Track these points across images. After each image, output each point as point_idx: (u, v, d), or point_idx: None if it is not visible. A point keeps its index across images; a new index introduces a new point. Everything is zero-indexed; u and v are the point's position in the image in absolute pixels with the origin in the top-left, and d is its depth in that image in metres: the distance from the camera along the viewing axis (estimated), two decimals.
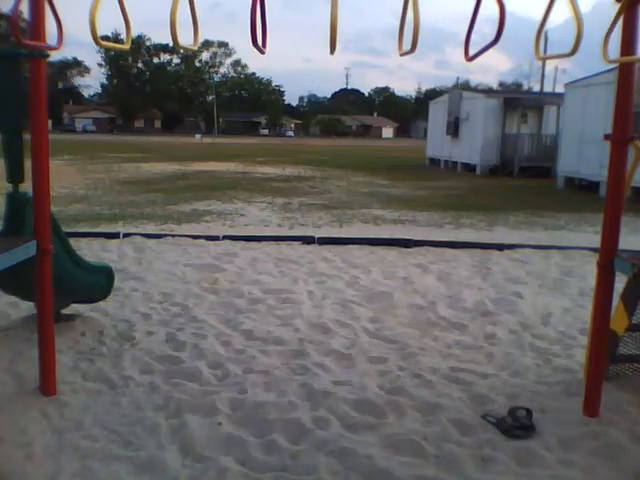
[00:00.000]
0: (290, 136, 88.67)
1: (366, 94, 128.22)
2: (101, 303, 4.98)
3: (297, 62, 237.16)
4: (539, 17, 2.80)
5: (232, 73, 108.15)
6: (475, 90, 39.38)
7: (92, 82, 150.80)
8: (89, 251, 6.97)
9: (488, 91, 37.05)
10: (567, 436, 3.08)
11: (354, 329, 4.69)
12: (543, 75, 41.31)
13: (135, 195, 13.52)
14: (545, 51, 3.86)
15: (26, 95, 3.20)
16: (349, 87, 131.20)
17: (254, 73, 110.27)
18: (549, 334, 4.68)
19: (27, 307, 4.81)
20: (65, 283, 4.05)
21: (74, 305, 4.82)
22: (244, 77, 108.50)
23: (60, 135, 54.69)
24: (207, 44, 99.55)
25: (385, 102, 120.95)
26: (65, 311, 4.72)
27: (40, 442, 2.95)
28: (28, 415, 3.20)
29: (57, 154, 25.43)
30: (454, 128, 24.97)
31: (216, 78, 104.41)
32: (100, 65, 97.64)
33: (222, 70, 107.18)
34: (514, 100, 23.62)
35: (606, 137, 3.20)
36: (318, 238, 8.19)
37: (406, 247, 7.84)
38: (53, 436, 3.02)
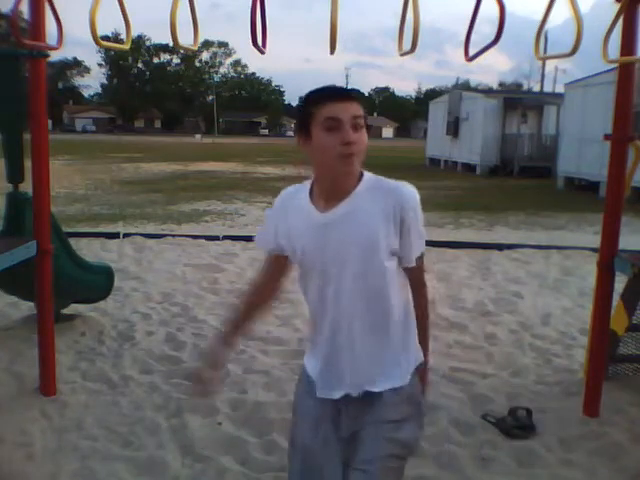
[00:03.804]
0: (290, 136, 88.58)
1: (366, 94, 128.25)
2: (101, 303, 4.98)
3: (297, 62, 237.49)
4: (539, 17, 2.80)
5: (232, 73, 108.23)
6: (475, 90, 39.36)
7: (92, 82, 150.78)
8: (89, 251, 6.96)
9: (488, 91, 37.04)
10: (567, 436, 3.08)
11: None
12: (543, 75, 41.36)
13: (135, 195, 13.52)
14: (545, 51, 3.86)
15: (26, 95, 3.20)
16: (349, 87, 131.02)
17: (254, 73, 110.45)
18: (549, 334, 4.68)
19: (27, 307, 4.81)
20: (65, 283, 4.05)
21: (74, 305, 4.82)
22: (244, 77, 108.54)
23: (60, 135, 54.68)
24: (207, 44, 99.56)
25: (385, 102, 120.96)
26: (65, 311, 4.72)
27: (40, 442, 2.95)
28: (28, 415, 3.20)
29: (57, 154, 25.42)
30: (454, 128, 24.96)
31: (216, 78, 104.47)
32: (100, 65, 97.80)
33: (222, 70, 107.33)
34: (514, 100, 23.60)
35: (606, 137, 3.20)
36: None
37: None
38: (53, 436, 3.02)
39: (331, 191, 1.64)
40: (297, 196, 1.73)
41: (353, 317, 1.66)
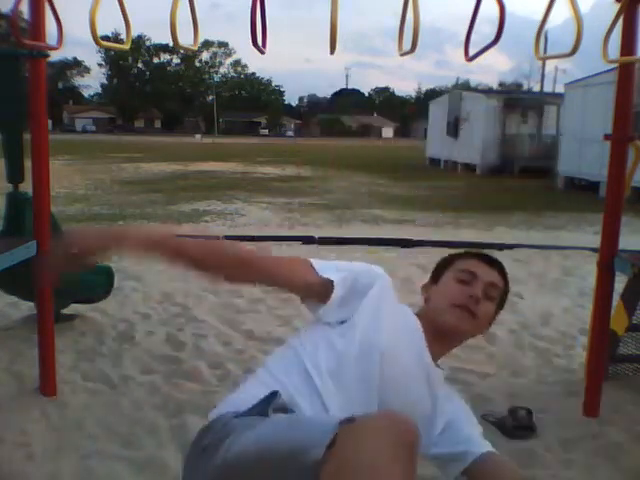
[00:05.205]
0: (290, 136, 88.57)
1: (366, 94, 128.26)
2: (101, 303, 4.97)
3: (297, 62, 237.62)
4: (539, 17, 2.80)
5: (232, 73, 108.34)
6: (475, 90, 39.36)
7: (92, 82, 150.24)
8: None
9: (488, 91, 37.07)
10: (567, 436, 3.08)
11: None
12: (543, 75, 41.29)
13: (135, 195, 13.52)
14: (545, 51, 3.85)
15: (26, 95, 3.20)
16: (349, 87, 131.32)
17: (254, 73, 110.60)
18: (549, 334, 4.68)
19: (27, 307, 4.81)
20: (65, 283, 4.04)
21: (74, 305, 4.82)
22: (244, 77, 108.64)
23: (60, 135, 54.63)
24: (207, 44, 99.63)
25: (385, 102, 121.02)
26: (65, 311, 4.72)
27: (40, 442, 2.95)
28: (28, 415, 3.20)
29: (57, 154, 25.41)
30: (454, 128, 24.98)
31: (216, 78, 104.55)
32: (100, 65, 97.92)
33: (222, 70, 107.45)
34: (514, 100, 23.64)
35: (606, 137, 3.20)
36: (318, 238, 8.19)
37: (406, 247, 7.83)
38: (53, 436, 3.02)
39: (432, 340, 1.55)
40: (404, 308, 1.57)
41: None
